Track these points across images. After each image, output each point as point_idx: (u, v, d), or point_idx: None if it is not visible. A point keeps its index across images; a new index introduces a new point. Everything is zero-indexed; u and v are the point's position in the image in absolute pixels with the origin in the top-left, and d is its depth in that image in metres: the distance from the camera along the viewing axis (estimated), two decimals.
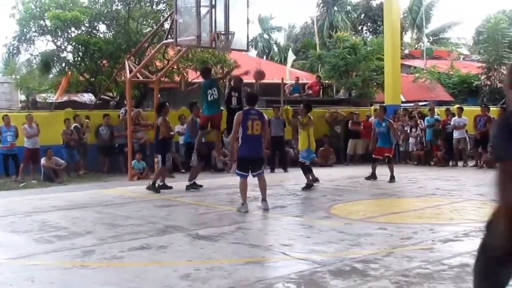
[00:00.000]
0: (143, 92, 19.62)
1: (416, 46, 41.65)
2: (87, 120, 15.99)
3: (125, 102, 16.88)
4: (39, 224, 8.15)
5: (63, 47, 18.74)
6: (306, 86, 23.74)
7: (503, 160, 2.84)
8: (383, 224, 7.59)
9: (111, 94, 21.01)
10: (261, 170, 9.01)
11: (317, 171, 15.54)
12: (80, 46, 18.21)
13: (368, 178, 13.05)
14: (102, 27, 19.43)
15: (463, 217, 8.25)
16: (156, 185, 11.68)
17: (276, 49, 43.46)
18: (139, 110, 16.04)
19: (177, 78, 19.36)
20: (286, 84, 22.09)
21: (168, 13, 16.49)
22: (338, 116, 19.03)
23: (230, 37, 12.12)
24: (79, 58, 18.84)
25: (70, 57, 19.02)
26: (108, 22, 19.07)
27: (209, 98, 11.47)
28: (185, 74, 19.43)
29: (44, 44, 18.79)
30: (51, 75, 19.84)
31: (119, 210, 9.39)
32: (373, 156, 13.32)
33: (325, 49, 29.04)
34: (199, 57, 18.67)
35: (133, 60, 15.95)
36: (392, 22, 19.56)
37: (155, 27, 17.38)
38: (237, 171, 9.02)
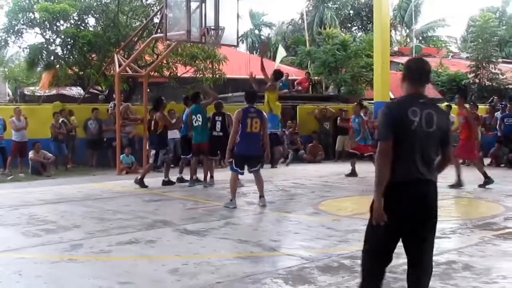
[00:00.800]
0: (132, 86, 19.52)
1: (405, 43, 41.82)
2: (72, 117, 15.83)
3: (114, 96, 16.80)
4: (27, 218, 8.13)
5: (51, 40, 18.56)
6: (295, 82, 23.76)
7: (379, 140, 3.51)
8: None
9: (100, 88, 20.89)
10: (257, 167, 9.05)
11: (305, 167, 15.64)
12: (69, 39, 18.03)
13: (348, 175, 13.15)
14: (91, 21, 19.28)
15: (449, 214, 8.32)
16: (143, 179, 11.67)
17: None
18: (128, 104, 15.96)
19: (166, 73, 19.30)
20: None
21: (158, 8, 16.41)
22: (327, 113, 19.08)
23: (220, 32, 12.10)
24: (67, 51, 18.66)
25: (58, 50, 18.83)
26: (98, 15, 18.90)
27: (194, 124, 11.45)
28: (174, 69, 19.37)
29: (32, 37, 18.63)
30: (39, 68, 19.64)
31: (107, 204, 9.37)
32: (349, 150, 13.53)
33: (314, 46, 29.05)
34: (189, 52, 18.59)
35: (123, 54, 15.86)
36: (381, 19, 19.59)
37: (144, 21, 17.26)
38: (233, 167, 9.03)
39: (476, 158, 11.87)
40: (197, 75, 19.41)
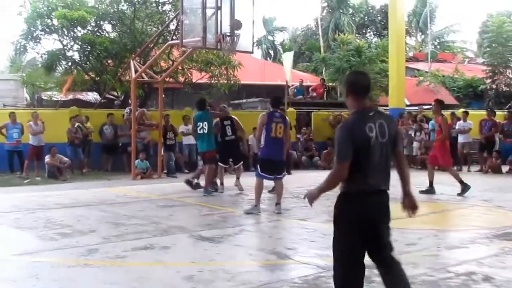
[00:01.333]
0: (148, 92, 19.65)
1: (420, 48, 41.62)
2: (88, 123, 15.93)
3: (129, 101, 16.90)
4: (44, 221, 8.18)
5: (69, 46, 18.77)
6: (310, 89, 23.74)
7: (338, 161, 3.64)
8: None
9: (115, 94, 21.04)
10: (281, 174, 9.01)
11: (320, 174, 15.54)
12: (86, 45, 18.25)
13: None
14: (108, 27, 19.49)
15: (468, 224, 8.21)
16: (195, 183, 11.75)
17: (281, 50, 43.43)
18: (143, 110, 16.06)
19: (181, 79, 19.39)
20: (290, 86, 22.11)
21: (174, 14, 16.50)
22: (342, 119, 18.98)
23: (235, 39, 12.13)
24: (84, 57, 18.86)
25: (76, 56, 19.03)
26: (114, 22, 19.08)
27: (198, 131, 11.25)
28: (189, 75, 19.46)
29: (50, 43, 18.86)
30: (56, 74, 19.85)
31: (122, 209, 9.41)
32: None
33: (329, 52, 29.01)
34: (204, 58, 18.68)
35: (138, 60, 15.96)
36: (396, 25, 19.53)
37: (160, 27, 17.39)
38: (259, 173, 8.97)
39: (451, 165, 11.85)
40: (212, 81, 19.47)
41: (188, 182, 11.72)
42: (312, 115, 19.62)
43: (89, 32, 18.48)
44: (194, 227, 7.77)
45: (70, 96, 21.06)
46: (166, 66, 18.33)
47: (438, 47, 42.07)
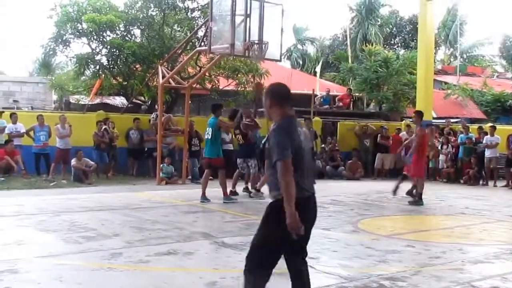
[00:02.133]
0: (174, 98, 19.78)
1: (449, 61, 41.20)
2: (115, 130, 16.07)
3: (156, 106, 17.01)
4: (68, 224, 8.27)
5: (98, 50, 19.01)
6: (336, 98, 23.65)
7: (283, 159, 3.64)
8: (411, 241, 7.50)
9: (142, 98, 21.22)
10: None
11: (345, 184, 15.47)
12: (114, 50, 18.45)
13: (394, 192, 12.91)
14: (136, 32, 19.67)
15: (493, 238, 8.09)
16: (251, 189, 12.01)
17: (307, 61, 43.34)
18: (169, 116, 16.14)
19: (208, 85, 19.48)
20: (317, 95, 22.05)
21: (203, 21, 16.60)
22: (368, 130, 18.89)
23: (263, 47, 12.16)
24: (113, 62, 19.07)
25: (104, 60, 19.26)
26: (143, 27, 19.26)
27: (205, 136, 11.37)
28: (217, 82, 19.55)
29: (79, 47, 19.12)
30: (84, 77, 20.11)
31: (146, 214, 9.46)
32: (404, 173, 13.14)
33: (357, 62, 28.90)
34: (231, 65, 18.75)
35: (166, 66, 16.10)
36: (426, 36, 19.36)
37: (189, 33, 17.51)
38: None
39: (422, 177, 11.85)
40: (239, 89, 19.52)
41: (252, 192, 11.93)
42: (338, 124, 19.54)
43: (118, 36, 18.68)
44: (217, 234, 7.78)
45: (98, 100, 21.29)
46: (194, 73, 18.44)
47: (467, 60, 41.61)
